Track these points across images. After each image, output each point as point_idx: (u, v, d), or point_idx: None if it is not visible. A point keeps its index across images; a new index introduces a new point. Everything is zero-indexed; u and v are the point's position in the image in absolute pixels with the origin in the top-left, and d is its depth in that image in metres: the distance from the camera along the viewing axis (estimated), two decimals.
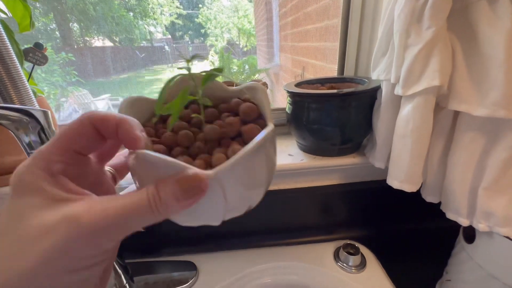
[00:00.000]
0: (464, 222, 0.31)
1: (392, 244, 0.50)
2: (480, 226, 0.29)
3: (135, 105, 0.20)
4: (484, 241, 0.30)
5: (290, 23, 1.76)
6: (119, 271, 0.40)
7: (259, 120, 0.20)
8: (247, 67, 3.34)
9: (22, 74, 0.27)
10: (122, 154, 0.21)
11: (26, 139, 0.28)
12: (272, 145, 0.18)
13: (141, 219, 0.14)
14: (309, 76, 1.41)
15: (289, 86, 0.45)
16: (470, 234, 0.33)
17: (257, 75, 3.17)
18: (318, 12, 1.13)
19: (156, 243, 0.50)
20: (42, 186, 0.13)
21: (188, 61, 0.18)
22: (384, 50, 0.36)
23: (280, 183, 0.47)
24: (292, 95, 0.43)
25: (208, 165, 0.17)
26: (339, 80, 0.49)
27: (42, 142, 0.28)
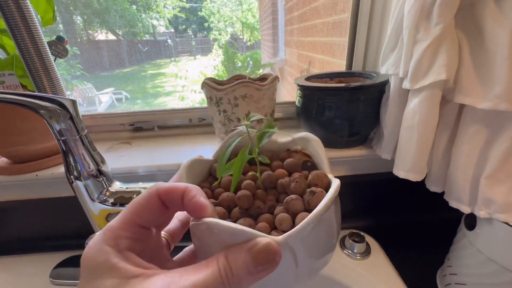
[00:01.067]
0: (466, 209, 0.33)
1: (396, 233, 0.52)
2: (481, 213, 0.31)
3: (192, 166, 0.20)
4: (484, 228, 0.32)
5: (296, 18, 1.75)
6: None
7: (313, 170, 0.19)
8: (251, 62, 3.34)
9: (54, 65, 0.29)
10: (176, 218, 0.21)
11: (57, 127, 0.30)
12: (338, 201, 0.18)
13: None
14: (315, 71, 1.41)
15: (299, 79, 0.46)
16: (471, 222, 0.35)
17: (261, 70, 3.16)
18: (326, 6, 1.13)
19: None
20: (115, 265, 0.13)
21: (246, 122, 0.18)
22: (393, 46, 0.37)
23: None
24: (303, 88, 0.45)
25: (272, 227, 0.16)
26: (348, 74, 0.51)
27: (72, 130, 0.30)
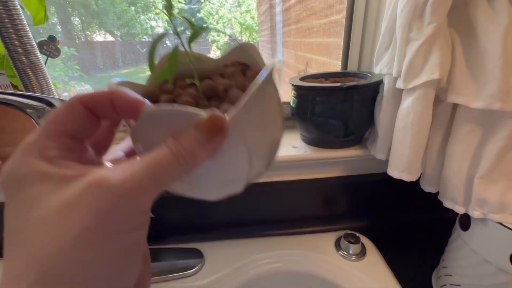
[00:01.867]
0: (460, 210, 0.33)
1: (391, 234, 0.51)
2: (475, 213, 0.31)
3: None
4: (479, 228, 0.32)
5: (293, 19, 1.76)
6: None
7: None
8: None
9: (42, 64, 0.29)
10: (118, 149, 0.20)
11: None
12: (274, 84, 0.17)
13: (170, 174, 0.13)
14: (312, 71, 1.42)
15: (294, 79, 0.46)
16: (465, 222, 0.34)
17: None
18: (322, 7, 1.13)
19: (164, 230, 0.51)
20: (47, 171, 0.12)
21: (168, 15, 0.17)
22: (387, 45, 0.37)
23: (284, 174, 0.49)
24: (297, 88, 0.44)
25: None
26: (343, 74, 0.50)
27: None
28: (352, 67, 0.54)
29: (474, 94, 0.28)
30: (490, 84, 0.27)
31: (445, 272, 0.38)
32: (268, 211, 0.52)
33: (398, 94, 0.35)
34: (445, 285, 0.38)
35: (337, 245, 0.48)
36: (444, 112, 0.33)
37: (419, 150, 0.33)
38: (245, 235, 0.50)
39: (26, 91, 0.28)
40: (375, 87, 0.41)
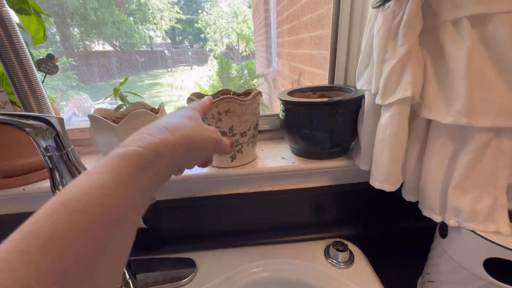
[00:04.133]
0: (437, 218, 0.34)
1: (379, 241, 0.53)
2: (451, 221, 0.33)
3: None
4: (455, 236, 0.34)
5: (286, 31, 1.81)
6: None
7: None
8: (246, 72, 3.39)
9: (40, 83, 0.31)
10: None
11: (44, 144, 0.31)
12: None
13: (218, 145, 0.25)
14: (306, 82, 1.45)
15: (282, 94, 0.48)
16: (444, 230, 0.36)
17: (255, 80, 3.22)
18: (313, 21, 1.17)
19: (157, 241, 0.52)
20: (199, 117, 0.25)
21: None
22: (367, 63, 0.39)
23: (274, 184, 0.51)
24: (285, 103, 0.47)
25: None
26: (329, 88, 0.53)
27: (57, 146, 0.32)
28: (339, 80, 0.57)
29: (444, 111, 0.31)
30: (457, 101, 0.29)
31: (428, 278, 0.39)
32: (259, 220, 0.53)
33: (378, 109, 0.38)
34: None
35: (326, 253, 0.49)
36: (420, 126, 0.35)
37: (397, 162, 0.35)
38: (237, 244, 0.52)
39: (25, 109, 0.30)
40: (358, 102, 0.44)
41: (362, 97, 0.43)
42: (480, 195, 0.31)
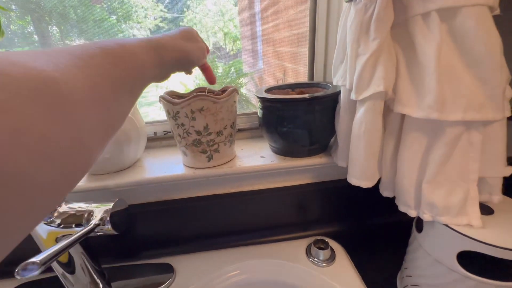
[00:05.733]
0: (412, 213, 0.34)
1: (360, 237, 0.53)
2: (425, 216, 0.33)
3: None
4: (430, 230, 0.34)
5: (271, 29, 1.80)
6: (95, 276, 0.40)
7: None
8: (233, 70, 3.36)
9: None
10: None
11: None
12: None
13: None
14: (290, 79, 1.45)
15: (259, 92, 0.47)
16: (419, 225, 0.36)
17: (242, 79, 3.19)
18: (295, 18, 1.17)
19: (133, 247, 0.50)
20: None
21: None
22: (342, 58, 0.39)
23: (254, 183, 0.49)
24: (262, 100, 0.45)
25: None
26: (308, 85, 0.52)
27: None
28: (318, 77, 0.56)
29: (416, 105, 0.30)
30: (428, 95, 0.29)
31: (406, 273, 0.39)
32: (239, 221, 0.52)
33: (353, 105, 0.37)
34: (407, 286, 0.39)
35: (308, 252, 0.48)
36: (394, 121, 0.35)
37: (373, 158, 0.35)
38: (217, 247, 0.50)
39: None
40: (335, 97, 0.43)
41: (338, 93, 0.42)
42: (453, 188, 0.31)
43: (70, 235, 0.31)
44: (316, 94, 0.42)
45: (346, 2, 0.35)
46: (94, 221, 0.34)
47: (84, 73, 0.15)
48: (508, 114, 0.28)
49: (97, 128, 0.15)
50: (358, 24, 0.32)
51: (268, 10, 1.84)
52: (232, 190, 0.49)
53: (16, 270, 0.23)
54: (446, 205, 0.31)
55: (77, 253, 0.37)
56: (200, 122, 0.40)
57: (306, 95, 0.42)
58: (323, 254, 0.47)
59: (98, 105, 0.15)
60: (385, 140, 0.36)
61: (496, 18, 0.28)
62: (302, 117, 0.43)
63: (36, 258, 0.26)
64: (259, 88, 0.49)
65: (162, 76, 0.27)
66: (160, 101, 0.41)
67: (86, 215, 0.35)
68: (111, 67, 0.17)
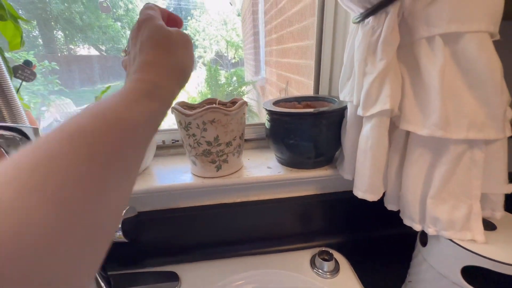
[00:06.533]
0: (417, 227, 0.35)
1: (364, 249, 0.53)
2: (430, 230, 0.34)
3: None
4: (434, 244, 0.35)
5: (274, 40, 1.85)
6: (101, 283, 0.41)
7: None
8: (234, 79, 3.41)
9: (13, 92, 0.29)
10: None
11: None
12: None
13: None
14: (293, 90, 1.47)
15: (267, 104, 0.49)
16: (424, 238, 0.37)
17: (244, 87, 3.23)
18: (299, 31, 1.20)
19: (139, 254, 0.51)
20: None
21: None
22: (349, 75, 0.41)
23: (259, 194, 0.50)
24: (270, 113, 0.47)
25: None
26: (314, 98, 0.54)
27: None
28: (323, 90, 0.58)
29: (421, 123, 0.32)
30: (433, 114, 0.30)
31: (411, 286, 0.40)
32: (245, 230, 0.52)
33: (360, 120, 0.39)
34: None
35: (312, 263, 0.49)
36: (400, 137, 0.36)
37: (379, 172, 0.36)
38: (222, 256, 0.51)
39: None
40: (341, 112, 0.45)
41: (345, 108, 0.44)
42: (456, 204, 0.32)
43: None
44: (322, 109, 0.43)
45: (354, 23, 0.37)
46: None
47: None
48: (509, 134, 0.30)
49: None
50: (365, 45, 0.34)
51: (272, 22, 1.89)
52: (239, 200, 0.50)
53: None
54: (450, 220, 0.32)
55: None
56: (211, 133, 0.41)
57: (313, 110, 0.43)
58: (328, 266, 0.47)
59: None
60: (390, 155, 0.37)
61: (496, 43, 0.29)
62: (308, 130, 0.44)
63: None
64: (267, 101, 0.51)
65: (168, 106, 0.23)
66: (172, 111, 0.42)
67: None
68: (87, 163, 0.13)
